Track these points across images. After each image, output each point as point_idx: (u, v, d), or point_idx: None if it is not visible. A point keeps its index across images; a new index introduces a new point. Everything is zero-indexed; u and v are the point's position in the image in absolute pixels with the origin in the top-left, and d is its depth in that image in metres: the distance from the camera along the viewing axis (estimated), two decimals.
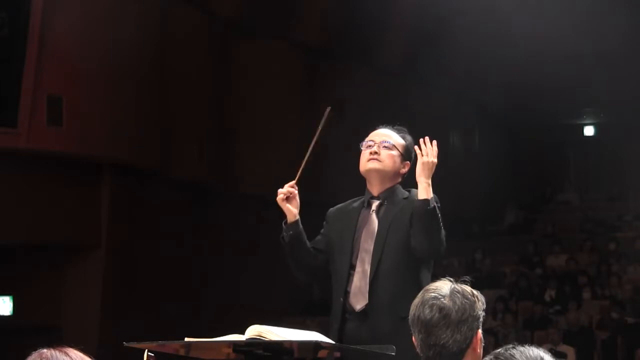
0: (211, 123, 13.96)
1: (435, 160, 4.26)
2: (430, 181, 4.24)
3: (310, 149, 4.42)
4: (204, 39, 13.75)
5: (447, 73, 17.49)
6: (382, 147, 4.46)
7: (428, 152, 4.26)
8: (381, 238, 4.37)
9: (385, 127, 4.57)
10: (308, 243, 4.49)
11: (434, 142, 4.30)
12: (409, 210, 4.31)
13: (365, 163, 4.47)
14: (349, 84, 16.08)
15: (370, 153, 4.45)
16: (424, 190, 4.22)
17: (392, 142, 4.47)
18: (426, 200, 4.20)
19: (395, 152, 4.46)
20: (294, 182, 4.44)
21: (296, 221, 4.43)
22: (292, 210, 4.43)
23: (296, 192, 4.45)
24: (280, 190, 4.43)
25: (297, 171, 4.42)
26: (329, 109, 4.47)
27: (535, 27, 15.93)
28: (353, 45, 15.96)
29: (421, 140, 4.32)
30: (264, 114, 14.71)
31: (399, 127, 4.58)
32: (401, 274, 4.30)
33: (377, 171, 4.45)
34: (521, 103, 19.82)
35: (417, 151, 4.29)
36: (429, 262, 4.41)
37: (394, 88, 16.83)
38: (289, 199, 4.44)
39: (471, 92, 19.19)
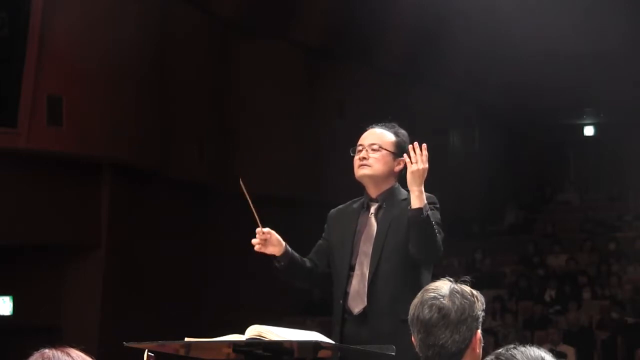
0: (211, 123, 13.95)
1: (426, 165, 4.18)
2: (422, 188, 4.18)
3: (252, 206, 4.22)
4: (204, 39, 13.75)
5: (447, 73, 17.47)
6: (370, 150, 4.40)
7: (417, 160, 4.18)
8: (380, 241, 4.34)
9: (374, 126, 4.50)
10: (306, 262, 4.44)
11: (424, 145, 4.21)
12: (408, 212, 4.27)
13: (357, 170, 4.43)
14: (349, 84, 16.07)
15: (359, 159, 4.41)
16: (417, 199, 4.17)
17: (380, 143, 4.40)
18: (419, 209, 4.16)
19: (384, 153, 4.40)
20: (259, 228, 4.28)
21: (284, 252, 4.34)
22: (275, 248, 4.33)
23: (268, 233, 4.30)
24: (254, 241, 4.30)
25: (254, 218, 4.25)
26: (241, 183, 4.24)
27: (535, 27, 15.92)
28: (353, 45, 15.95)
29: (410, 147, 4.24)
30: (264, 114, 14.70)
31: (389, 124, 4.50)
32: (401, 276, 4.29)
33: (368, 177, 4.41)
34: (521, 103, 19.80)
35: (407, 160, 4.21)
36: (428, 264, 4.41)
37: (394, 88, 16.82)
38: (265, 244, 4.32)
39: (471, 92, 19.18)
